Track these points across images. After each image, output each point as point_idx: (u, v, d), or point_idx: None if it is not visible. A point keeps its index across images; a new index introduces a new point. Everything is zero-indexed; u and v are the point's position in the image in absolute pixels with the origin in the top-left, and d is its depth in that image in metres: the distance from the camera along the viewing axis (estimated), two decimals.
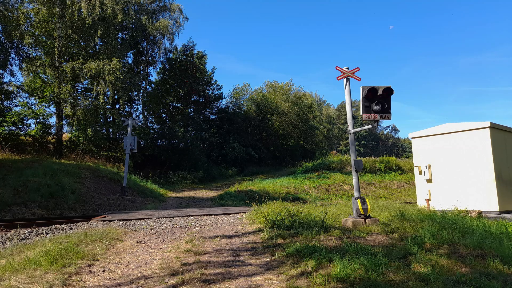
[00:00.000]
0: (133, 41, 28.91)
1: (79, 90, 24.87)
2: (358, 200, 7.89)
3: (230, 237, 7.33)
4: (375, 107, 7.63)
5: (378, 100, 7.63)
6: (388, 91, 7.61)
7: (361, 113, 7.84)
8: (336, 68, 8.59)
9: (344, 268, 4.31)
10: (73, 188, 13.60)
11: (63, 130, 23.61)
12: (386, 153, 47.64)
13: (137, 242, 6.83)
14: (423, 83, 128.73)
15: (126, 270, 4.88)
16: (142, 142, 27.90)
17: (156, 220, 9.56)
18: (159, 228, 8.46)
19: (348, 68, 8.59)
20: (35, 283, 4.06)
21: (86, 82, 24.40)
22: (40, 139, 21.79)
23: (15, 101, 21.29)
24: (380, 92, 7.57)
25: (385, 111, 7.64)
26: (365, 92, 7.64)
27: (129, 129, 17.72)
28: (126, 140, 17.09)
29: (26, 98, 22.38)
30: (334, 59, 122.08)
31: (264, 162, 37.51)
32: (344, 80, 8.61)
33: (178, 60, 33.86)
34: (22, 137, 21.16)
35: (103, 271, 4.79)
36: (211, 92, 36.92)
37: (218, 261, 5.27)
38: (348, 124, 8.69)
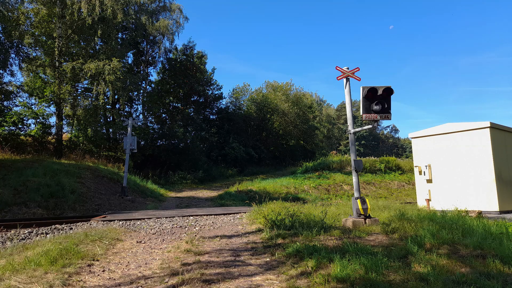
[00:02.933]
0: (133, 41, 28.90)
1: (79, 90, 24.88)
2: (358, 200, 7.89)
3: (230, 237, 7.32)
4: (375, 107, 7.63)
5: (378, 100, 7.63)
6: (388, 91, 7.61)
7: (361, 113, 7.84)
8: (336, 68, 8.60)
9: (344, 268, 4.31)
10: (73, 188, 13.60)
11: (63, 130, 23.62)
12: (386, 153, 47.65)
13: (137, 242, 6.83)
14: (423, 83, 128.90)
15: (126, 270, 4.88)
16: (142, 142, 27.89)
17: (156, 220, 9.56)
18: (159, 228, 8.46)
19: (348, 68, 8.59)
20: (35, 283, 4.06)
21: (86, 82, 24.39)
22: (40, 139, 21.79)
23: (15, 101, 21.33)
24: (380, 92, 7.57)
25: (385, 111, 7.65)
26: (365, 92, 7.64)
27: (129, 129, 17.72)
28: (126, 140, 17.10)
29: (26, 98, 22.42)
30: (334, 59, 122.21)
31: (264, 162, 37.49)
32: (344, 80, 8.61)
33: (178, 60, 33.86)
34: (22, 137, 21.17)
35: (103, 271, 4.78)
36: (211, 92, 36.91)
37: (218, 261, 5.27)
38: (348, 124, 8.69)
